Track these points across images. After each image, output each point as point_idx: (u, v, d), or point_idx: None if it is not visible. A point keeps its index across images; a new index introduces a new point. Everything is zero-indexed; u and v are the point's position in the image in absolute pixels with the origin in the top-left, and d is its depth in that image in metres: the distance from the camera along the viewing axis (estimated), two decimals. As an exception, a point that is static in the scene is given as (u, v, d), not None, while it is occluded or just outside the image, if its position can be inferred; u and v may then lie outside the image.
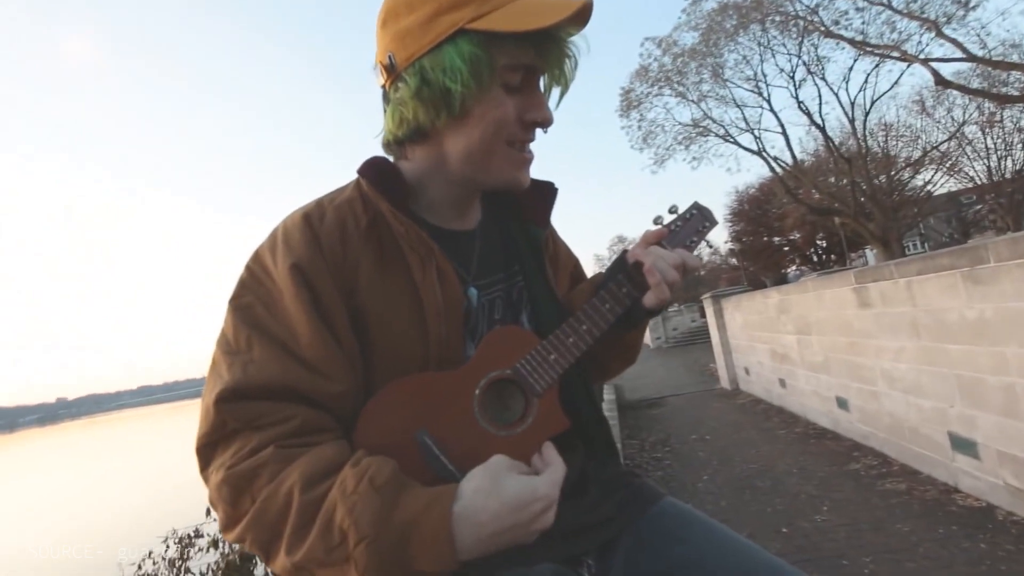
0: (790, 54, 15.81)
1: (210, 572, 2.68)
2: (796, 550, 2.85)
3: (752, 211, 29.68)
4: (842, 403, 4.72)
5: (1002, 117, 18.28)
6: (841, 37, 14.31)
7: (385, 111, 0.68)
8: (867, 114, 16.58)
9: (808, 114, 16.41)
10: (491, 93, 0.62)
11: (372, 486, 0.50)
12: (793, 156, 16.90)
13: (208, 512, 2.53)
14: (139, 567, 2.89)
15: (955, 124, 18.65)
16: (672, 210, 0.74)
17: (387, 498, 0.50)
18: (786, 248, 31.37)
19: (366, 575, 0.48)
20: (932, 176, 20.29)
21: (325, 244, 0.62)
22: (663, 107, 17.48)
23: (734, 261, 35.85)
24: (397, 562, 0.48)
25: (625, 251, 0.71)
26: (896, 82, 16.50)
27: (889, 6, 13.16)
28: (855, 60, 15.31)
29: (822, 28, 14.53)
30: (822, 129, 16.48)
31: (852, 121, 16.54)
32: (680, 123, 17.53)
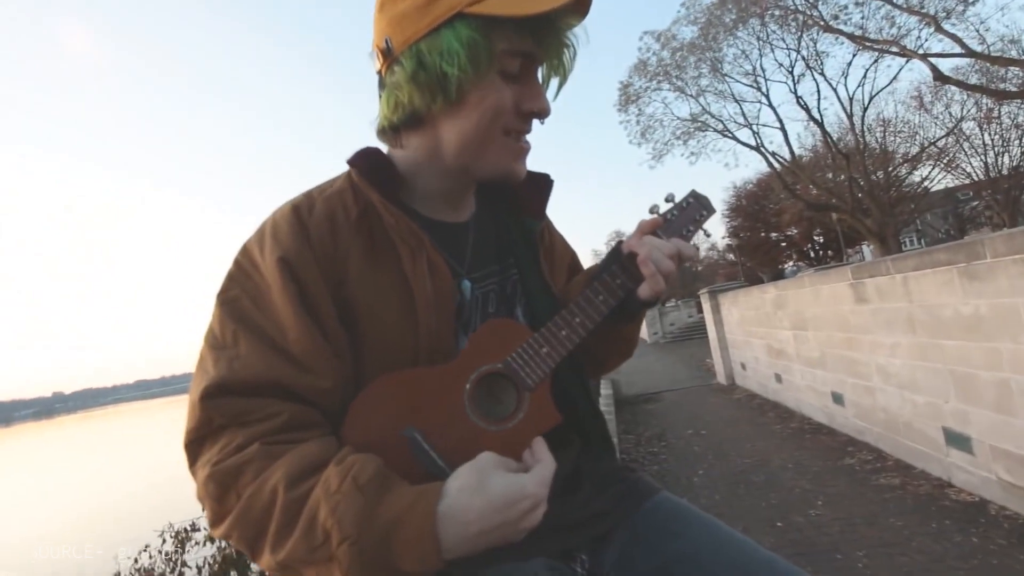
0: (789, 49, 15.78)
1: (207, 566, 2.69)
2: (790, 544, 2.87)
3: (750, 207, 29.70)
4: (837, 398, 4.74)
5: (1000, 113, 18.28)
6: (840, 32, 14.27)
7: (380, 97, 0.67)
8: (865, 109, 16.59)
9: (806, 109, 16.40)
10: (488, 79, 0.61)
11: (355, 485, 0.49)
12: (791, 151, 16.90)
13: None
14: (136, 561, 2.89)
15: (953, 120, 18.65)
16: (669, 199, 0.72)
17: (370, 497, 0.49)
18: (783, 244, 31.44)
19: (350, 574, 0.47)
20: (929, 172, 20.34)
21: (314, 236, 0.61)
22: (661, 102, 17.45)
23: (731, 257, 35.92)
24: (381, 561, 0.48)
25: (620, 241, 0.70)
26: (895, 77, 16.57)
27: (889, 1, 13.12)
28: (854, 55, 15.29)
29: (821, 23, 14.48)
30: (820, 124, 16.47)
31: (850, 116, 16.53)
32: (678, 118, 17.51)
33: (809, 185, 17.72)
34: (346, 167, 0.67)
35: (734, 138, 17.07)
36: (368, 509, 0.48)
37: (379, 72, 0.67)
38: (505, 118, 0.64)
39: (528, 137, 0.70)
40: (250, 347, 0.57)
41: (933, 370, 3.30)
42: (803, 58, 15.71)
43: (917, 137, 19.40)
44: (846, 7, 13.98)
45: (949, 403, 3.20)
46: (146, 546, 2.91)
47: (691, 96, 16.86)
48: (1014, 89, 14.25)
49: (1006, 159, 19.76)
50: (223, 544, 2.60)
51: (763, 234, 30.69)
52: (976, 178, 20.95)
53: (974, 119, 18.83)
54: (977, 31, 12.93)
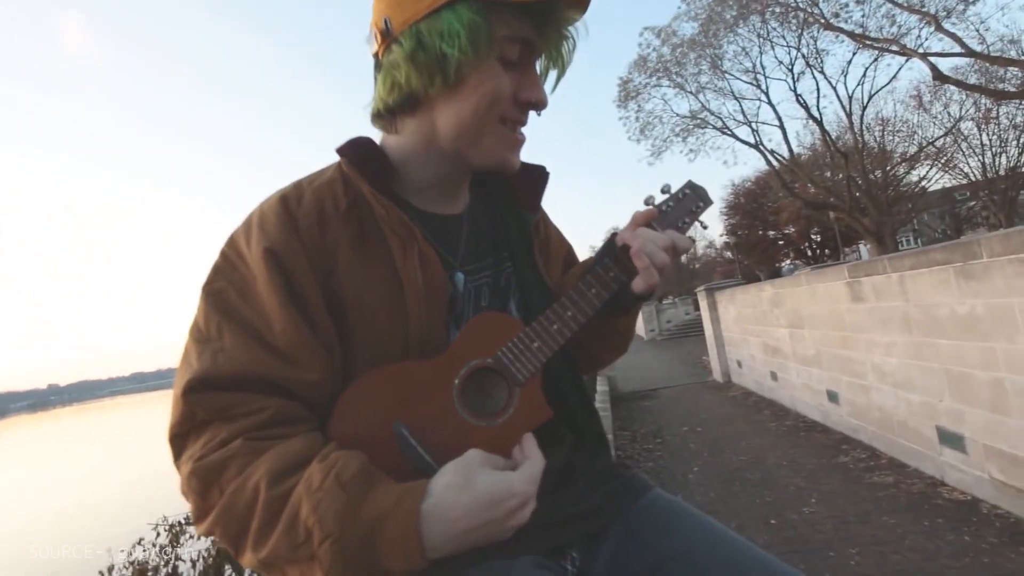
0: (789, 46, 15.76)
1: (201, 559, 2.68)
2: (784, 542, 2.88)
3: (748, 204, 29.75)
4: (832, 396, 4.76)
5: (998, 114, 18.32)
6: (841, 30, 14.25)
7: (376, 80, 0.66)
8: (864, 108, 16.60)
9: (806, 107, 16.39)
10: (488, 63, 0.60)
11: (338, 482, 0.48)
12: (790, 149, 16.91)
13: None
14: (130, 554, 2.88)
15: (951, 120, 18.69)
16: (665, 190, 0.71)
17: (353, 494, 0.48)
18: (781, 242, 31.51)
19: (331, 573, 0.46)
20: (927, 172, 20.40)
21: (302, 226, 0.60)
22: (661, 98, 17.45)
23: (729, 254, 35.97)
24: (363, 560, 0.47)
25: (614, 233, 0.69)
26: (894, 76, 16.59)
27: (889, -1, 13.10)
28: (854, 53, 15.30)
29: (822, 20, 14.46)
30: (819, 123, 16.47)
31: (849, 115, 16.55)
32: (678, 115, 17.51)
33: (807, 183, 17.75)
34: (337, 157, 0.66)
35: (733, 135, 17.08)
36: (351, 507, 0.47)
37: (376, 55, 0.66)
38: (503, 105, 0.63)
39: (524, 130, 0.69)
40: (235, 340, 0.56)
41: (928, 369, 3.31)
42: (803, 56, 15.71)
43: (915, 136, 19.47)
44: (847, 5, 13.98)
45: (943, 402, 3.21)
46: (140, 539, 2.90)
47: (691, 93, 16.86)
48: (1012, 90, 14.28)
49: (1003, 160, 19.84)
50: (217, 538, 2.59)
51: (761, 232, 30.75)
52: (973, 178, 21.01)
53: (972, 119, 18.88)
54: (977, 31, 12.96)
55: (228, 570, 2.58)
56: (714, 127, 17.19)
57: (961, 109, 18.44)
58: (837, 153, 16.26)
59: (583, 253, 0.92)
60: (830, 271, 4.56)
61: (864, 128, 17.36)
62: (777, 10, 15.06)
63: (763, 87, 16.33)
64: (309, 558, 0.47)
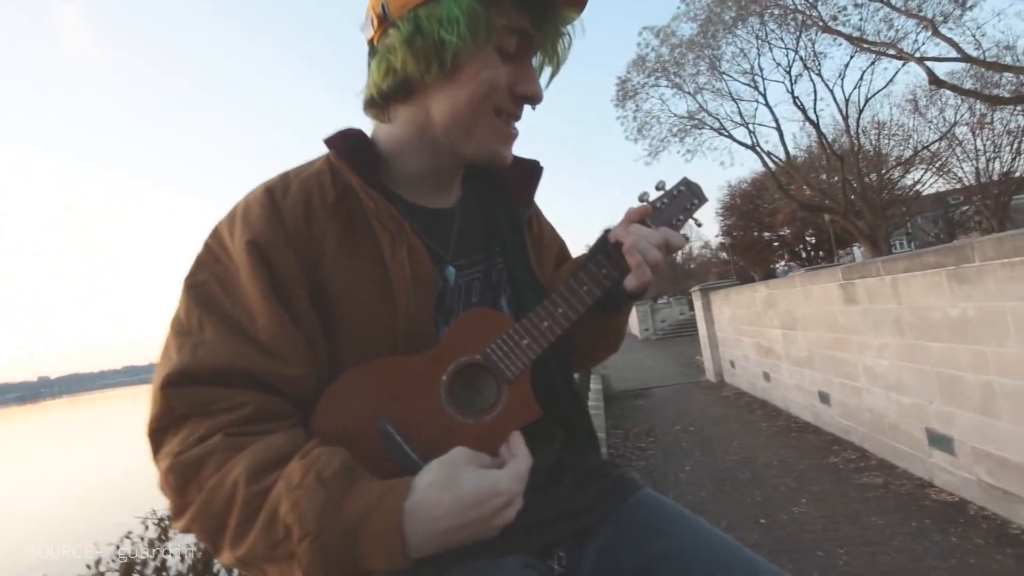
0: (787, 48, 15.78)
1: (190, 553, 2.66)
2: (774, 541, 2.90)
3: (744, 205, 29.87)
4: (824, 397, 4.79)
5: (992, 119, 18.45)
6: (839, 33, 14.29)
7: (369, 67, 0.64)
8: (860, 112, 16.66)
9: (803, 109, 16.44)
10: (485, 52, 0.60)
11: (319, 479, 0.47)
12: (786, 151, 16.97)
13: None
14: (117, 548, 2.86)
15: (946, 124, 18.80)
16: (659, 186, 0.70)
17: (334, 492, 0.47)
18: (776, 243, 31.66)
19: (310, 572, 0.45)
20: (922, 176, 20.51)
21: (288, 218, 0.59)
22: (659, 98, 17.44)
23: (724, 255, 36.11)
24: (343, 559, 0.46)
25: (608, 230, 0.68)
26: (891, 80, 16.62)
27: (887, 3, 13.15)
28: (851, 57, 15.35)
29: (820, 23, 14.48)
30: (816, 125, 16.52)
31: (846, 118, 16.61)
32: (675, 115, 17.51)
33: (803, 185, 17.82)
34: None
35: (730, 136, 17.11)
36: (331, 504, 0.46)
37: (371, 41, 0.65)
38: (498, 96, 0.62)
39: (517, 125, 0.68)
40: (216, 333, 0.55)
41: (919, 372, 3.33)
42: (801, 58, 15.75)
43: (911, 140, 19.57)
44: (845, 8, 14.02)
45: (934, 404, 3.23)
46: (128, 533, 2.88)
47: (689, 93, 16.87)
48: (1007, 95, 14.38)
49: (997, 165, 19.97)
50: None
51: (756, 233, 30.89)
52: (967, 183, 21.15)
53: (967, 124, 18.98)
54: (973, 36, 13.00)
55: (217, 565, 2.56)
56: (711, 128, 17.22)
57: (956, 114, 18.55)
58: (833, 156, 16.33)
59: (577, 252, 0.92)
60: (824, 273, 4.58)
61: (860, 131, 17.43)
62: (776, 12, 15.08)
63: (761, 89, 16.37)
64: (288, 557, 0.46)
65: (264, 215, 0.58)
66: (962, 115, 18.53)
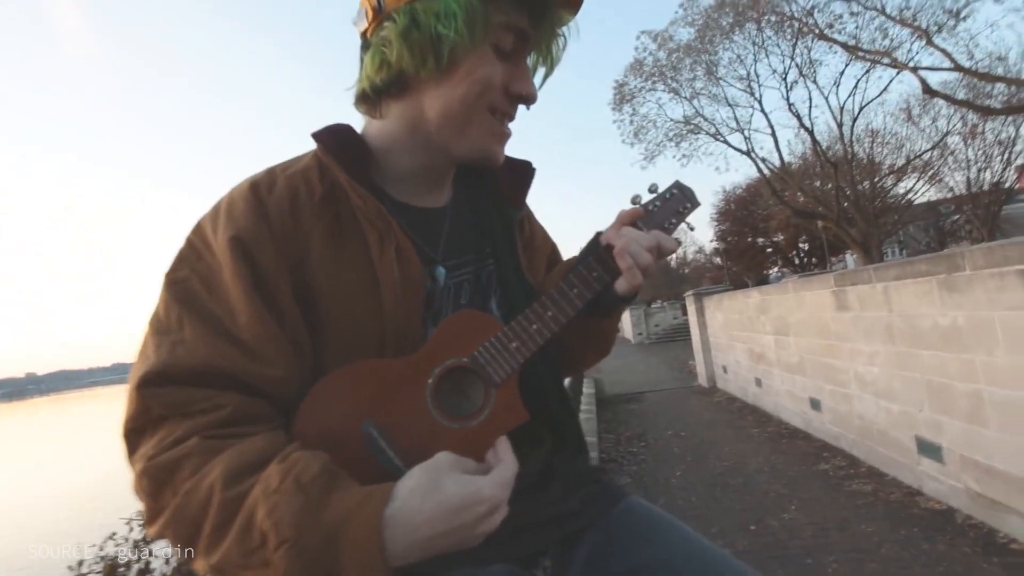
0: (783, 55, 15.88)
1: (175, 555, 2.62)
2: (763, 548, 2.90)
3: (738, 211, 30.04)
4: (815, 404, 4.80)
5: (984, 129, 18.66)
6: (834, 41, 14.42)
7: (362, 60, 0.63)
8: (855, 119, 16.80)
9: (798, 117, 16.55)
10: (482, 49, 0.59)
11: (297, 484, 0.46)
12: (781, 158, 17.06)
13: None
14: (101, 549, 2.81)
15: (939, 134, 18.99)
16: (652, 189, 0.69)
17: (312, 497, 0.45)
18: (769, 249, 31.86)
19: None
20: (914, 184, 20.70)
21: (273, 215, 0.57)
22: (656, 102, 17.49)
23: (718, 260, 36.29)
24: (321, 567, 0.44)
25: (599, 233, 0.67)
26: (885, 88, 16.80)
27: (883, 12, 13.29)
28: (847, 64, 15.46)
29: (816, 31, 14.62)
30: (810, 132, 16.64)
31: (840, 126, 16.73)
32: (672, 119, 17.57)
33: (797, 192, 17.94)
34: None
35: (726, 142, 17.19)
36: (309, 510, 0.45)
37: (364, 34, 0.63)
38: (493, 94, 0.62)
39: (511, 126, 0.68)
40: (196, 332, 0.53)
41: (909, 379, 3.34)
42: (797, 65, 15.85)
43: (904, 149, 19.74)
44: (841, 16, 14.15)
45: (923, 412, 3.25)
46: (112, 534, 2.83)
47: (685, 98, 16.93)
48: (998, 106, 14.55)
49: (988, 175, 20.19)
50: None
51: (750, 239, 31.06)
52: (958, 192, 21.37)
53: (959, 134, 19.19)
54: (967, 46, 13.15)
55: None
56: (707, 133, 17.29)
57: (948, 123, 18.75)
58: (827, 163, 16.45)
59: (568, 253, 0.91)
60: (816, 279, 4.60)
61: (854, 139, 17.58)
62: (773, 19, 15.21)
63: (757, 95, 16.45)
64: (263, 564, 0.44)
65: (248, 210, 0.57)
66: (954, 125, 18.73)
